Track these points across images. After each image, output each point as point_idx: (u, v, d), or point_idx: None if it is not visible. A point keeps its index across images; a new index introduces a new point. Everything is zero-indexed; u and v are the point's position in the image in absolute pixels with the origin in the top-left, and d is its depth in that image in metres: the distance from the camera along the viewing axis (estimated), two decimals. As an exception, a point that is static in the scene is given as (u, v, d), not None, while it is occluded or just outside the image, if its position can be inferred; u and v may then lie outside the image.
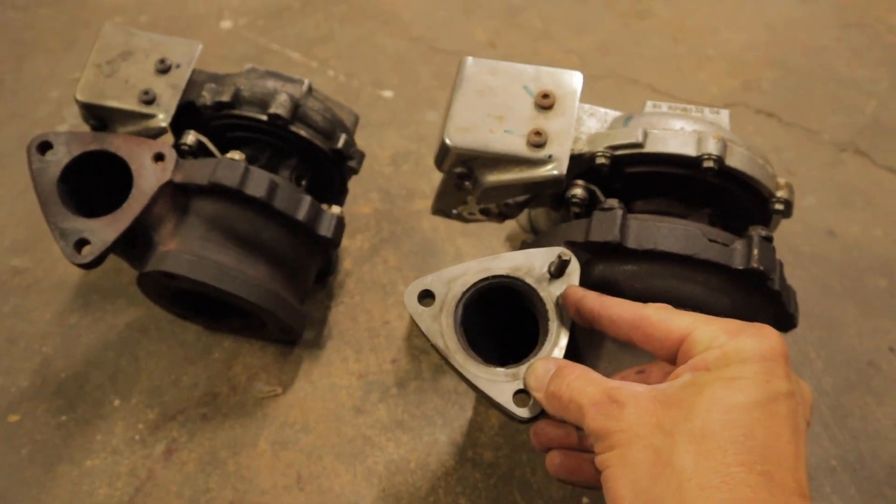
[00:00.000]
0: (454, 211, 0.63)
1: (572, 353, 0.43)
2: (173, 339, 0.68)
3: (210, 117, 0.62)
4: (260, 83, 0.61)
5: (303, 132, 0.61)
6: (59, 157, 0.57)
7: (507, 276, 0.44)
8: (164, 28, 1.01)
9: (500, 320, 0.48)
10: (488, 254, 0.47)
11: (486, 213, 0.62)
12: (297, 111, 0.61)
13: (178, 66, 0.62)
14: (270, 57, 0.95)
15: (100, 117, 0.63)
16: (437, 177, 0.76)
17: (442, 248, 0.73)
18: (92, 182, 0.59)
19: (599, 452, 0.35)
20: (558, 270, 0.43)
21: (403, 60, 0.93)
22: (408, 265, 0.71)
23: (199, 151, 0.61)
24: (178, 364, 0.66)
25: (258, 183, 0.57)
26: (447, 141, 0.53)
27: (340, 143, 0.63)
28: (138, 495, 0.59)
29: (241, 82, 0.61)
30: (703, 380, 0.35)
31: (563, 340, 0.42)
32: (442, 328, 0.42)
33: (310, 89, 0.63)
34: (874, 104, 0.82)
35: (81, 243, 0.55)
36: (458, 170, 0.56)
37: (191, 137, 0.61)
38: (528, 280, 0.43)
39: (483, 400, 0.42)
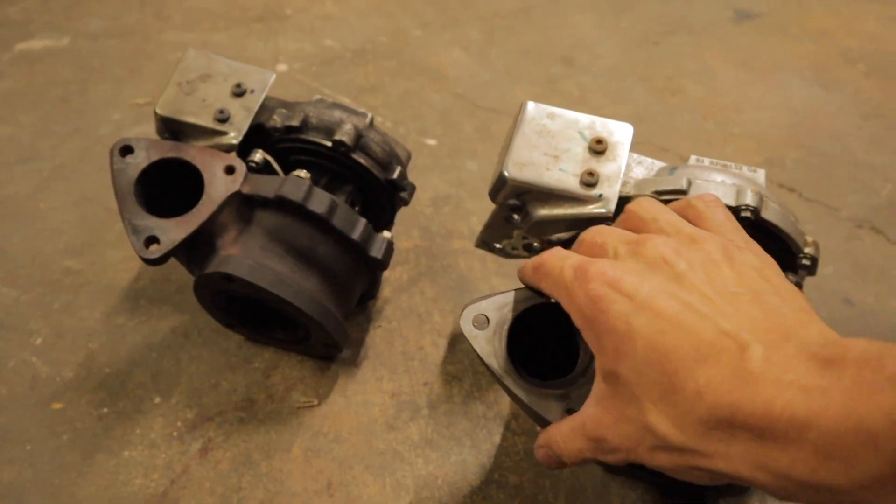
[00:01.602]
0: (497, 245, 0.67)
1: None
2: (215, 346, 0.71)
3: (277, 139, 0.67)
4: (327, 112, 0.66)
5: (362, 160, 0.66)
6: (139, 160, 0.62)
7: (550, 301, 0.46)
8: (223, 66, 1.07)
9: (550, 338, 0.50)
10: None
11: (529, 249, 0.66)
12: (359, 140, 0.65)
13: (252, 92, 0.67)
14: (322, 100, 1.01)
15: (175, 131, 0.68)
16: (476, 220, 0.80)
17: (476, 285, 0.76)
18: (164, 186, 0.63)
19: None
20: None
21: (448, 114, 0.99)
22: (444, 297, 0.75)
23: (265, 169, 0.66)
24: (218, 370, 0.69)
25: (320, 200, 0.61)
26: (505, 173, 0.58)
27: (395, 175, 0.67)
28: (172, 488, 0.61)
29: (309, 110, 0.66)
30: (604, 366, 0.35)
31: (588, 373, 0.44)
32: (495, 350, 0.45)
33: (371, 122, 0.68)
34: (890, 187, 0.87)
35: (151, 240, 0.59)
36: (512, 201, 0.60)
37: (258, 155, 0.65)
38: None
39: (532, 417, 0.45)
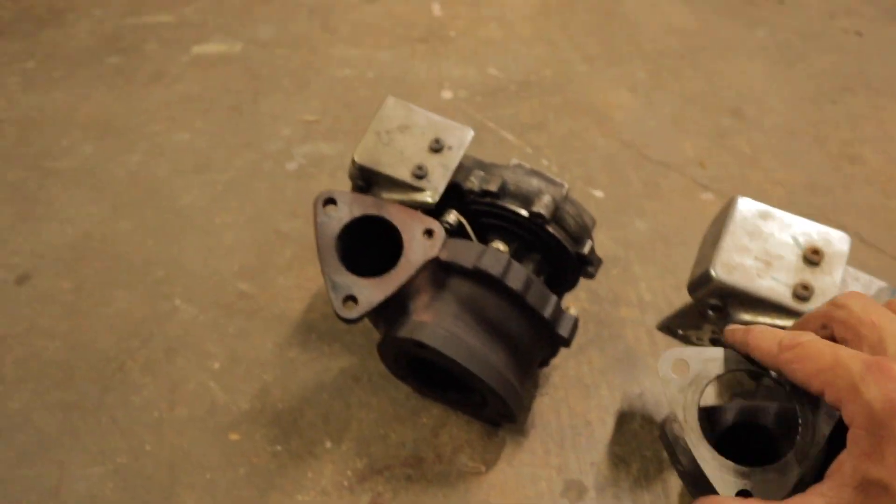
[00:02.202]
0: (681, 332, 0.66)
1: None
2: (384, 394, 0.72)
3: (471, 201, 0.66)
4: (526, 180, 0.66)
5: (556, 233, 0.65)
6: (341, 214, 0.63)
7: (764, 373, 0.43)
8: (387, 88, 1.08)
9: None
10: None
11: (715, 343, 0.64)
12: (555, 213, 0.64)
13: (450, 148, 0.67)
14: (486, 134, 1.00)
15: (368, 180, 0.69)
16: (645, 287, 0.78)
17: (645, 360, 0.75)
18: (361, 240, 0.64)
19: None
20: None
21: (613, 162, 0.97)
22: (612, 370, 0.74)
23: (458, 231, 0.66)
24: (387, 420, 0.70)
25: (517, 276, 0.60)
26: (713, 273, 0.56)
27: (586, 249, 0.66)
28: (344, 540, 0.62)
29: (507, 175, 0.66)
30: (871, 474, 0.32)
31: (813, 450, 0.40)
32: (686, 402, 0.43)
33: (568, 194, 0.67)
34: None
35: (349, 299, 0.60)
36: (713, 301, 0.58)
37: (453, 217, 0.65)
38: (789, 386, 0.42)
39: (693, 487, 0.43)
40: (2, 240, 0.87)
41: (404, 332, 0.61)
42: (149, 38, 1.18)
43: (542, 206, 0.64)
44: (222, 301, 0.80)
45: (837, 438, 0.37)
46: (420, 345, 0.60)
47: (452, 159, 0.67)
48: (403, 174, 0.66)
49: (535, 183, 0.66)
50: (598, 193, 0.93)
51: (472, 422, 0.70)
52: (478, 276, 0.61)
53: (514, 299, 0.61)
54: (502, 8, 1.26)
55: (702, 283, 0.58)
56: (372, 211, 0.63)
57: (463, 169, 0.67)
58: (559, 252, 0.66)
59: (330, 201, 0.64)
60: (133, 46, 1.16)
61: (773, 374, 0.43)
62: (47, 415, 0.70)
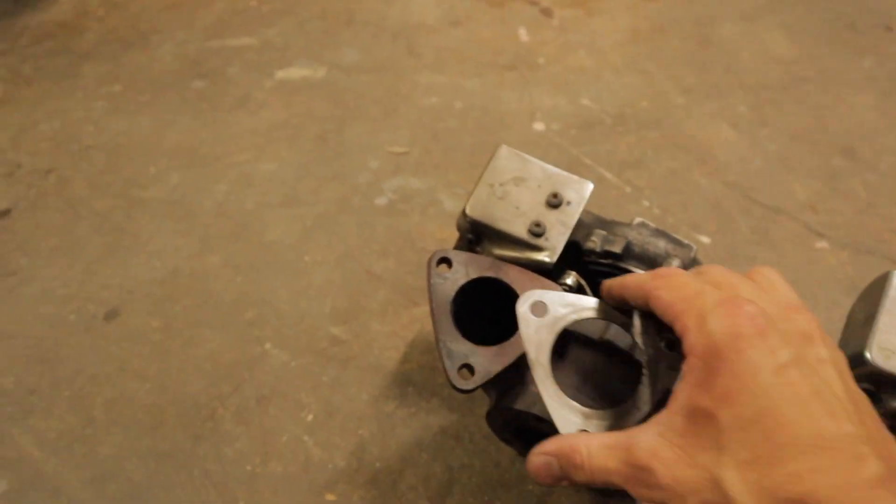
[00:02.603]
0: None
1: None
2: (487, 457, 0.68)
3: (591, 262, 0.62)
4: (652, 242, 0.61)
5: (686, 299, 0.60)
6: (457, 276, 0.59)
7: (621, 328, 0.46)
8: (477, 119, 1.05)
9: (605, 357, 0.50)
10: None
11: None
12: (685, 278, 0.60)
13: (568, 204, 0.63)
14: (583, 171, 0.96)
15: (480, 234, 0.65)
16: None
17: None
18: (471, 303, 0.60)
19: None
20: (671, 347, 0.43)
21: (720, 206, 0.92)
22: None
23: (576, 293, 0.61)
24: (491, 486, 0.66)
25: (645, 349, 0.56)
26: (868, 357, 0.51)
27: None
28: None
29: (632, 235, 0.62)
30: (699, 403, 0.33)
31: (653, 399, 0.42)
32: (540, 341, 0.44)
33: (695, 256, 0.62)
34: None
35: (464, 368, 0.56)
36: (864, 385, 0.53)
37: (572, 279, 0.61)
38: (639, 339, 0.44)
39: (536, 427, 0.45)
40: (91, 272, 0.85)
41: (522, 405, 0.57)
42: (232, 61, 1.16)
43: (671, 271, 0.59)
44: (314, 346, 0.77)
45: None
46: (540, 419, 0.56)
47: (571, 216, 0.63)
48: (520, 231, 0.62)
49: (661, 245, 0.61)
50: (705, 240, 0.88)
51: (583, 492, 0.66)
52: (602, 346, 0.57)
53: (639, 371, 0.57)
54: (591, 34, 1.21)
55: (852, 367, 0.53)
56: (489, 273, 0.59)
57: (582, 226, 0.63)
58: (684, 317, 0.62)
59: (444, 261, 0.60)
60: (216, 70, 1.15)
61: (632, 324, 0.44)
62: (139, 463, 0.68)
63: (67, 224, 0.91)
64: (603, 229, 0.63)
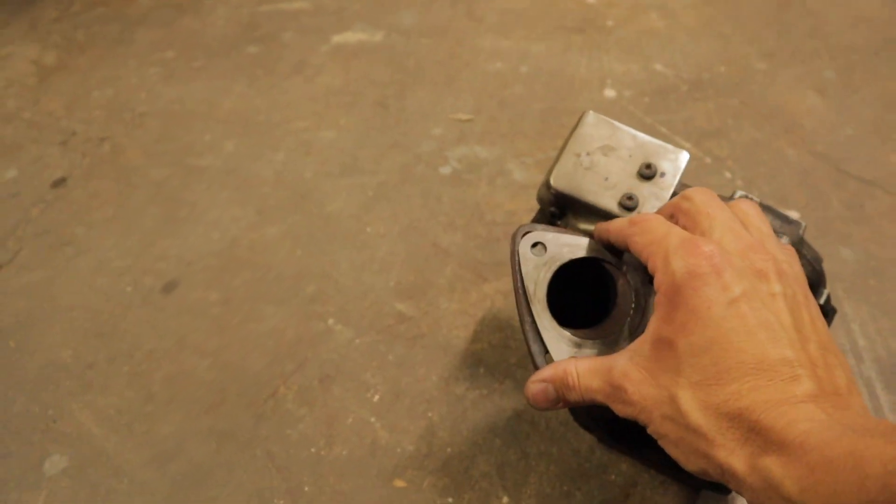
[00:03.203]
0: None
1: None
2: (565, 444, 0.64)
3: (686, 236, 0.57)
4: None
5: (793, 280, 0.55)
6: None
7: (613, 264, 0.48)
8: (545, 84, 0.99)
9: (597, 296, 0.51)
10: None
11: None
12: (793, 257, 0.54)
13: (663, 175, 0.58)
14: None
15: (564, 207, 0.60)
16: (858, 331, 0.67)
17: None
18: (560, 284, 0.56)
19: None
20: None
21: (808, 178, 0.85)
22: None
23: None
24: (570, 475, 0.62)
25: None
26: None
27: (822, 300, 0.56)
28: None
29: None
30: (662, 333, 0.37)
31: (639, 330, 0.45)
32: (538, 278, 0.47)
33: (804, 233, 0.56)
34: None
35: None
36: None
37: (665, 255, 0.56)
38: (630, 275, 0.47)
39: (534, 360, 0.46)
40: (147, 242, 0.82)
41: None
42: (287, 26, 1.12)
43: (778, 249, 0.54)
44: (380, 324, 0.73)
45: None
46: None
47: (667, 188, 0.57)
48: (610, 204, 0.57)
49: (768, 222, 0.55)
50: (794, 215, 0.81)
51: (668, 483, 0.61)
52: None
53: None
54: (664, -5, 1.14)
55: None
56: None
57: (676, 197, 0.58)
58: (789, 299, 0.56)
59: (537, 244, 0.55)
60: (271, 35, 1.11)
61: (623, 263, 0.48)
62: (200, 443, 0.65)
63: (123, 193, 0.88)
64: (700, 202, 0.57)
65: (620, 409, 0.40)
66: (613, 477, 0.62)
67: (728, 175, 0.86)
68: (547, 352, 0.46)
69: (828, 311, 0.57)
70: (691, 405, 0.35)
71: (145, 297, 0.77)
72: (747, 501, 0.33)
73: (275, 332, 0.73)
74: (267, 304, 0.75)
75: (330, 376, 0.69)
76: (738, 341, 0.34)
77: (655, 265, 0.40)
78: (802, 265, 0.55)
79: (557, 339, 0.46)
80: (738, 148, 0.89)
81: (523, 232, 0.50)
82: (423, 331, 0.72)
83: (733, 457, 0.33)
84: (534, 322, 0.47)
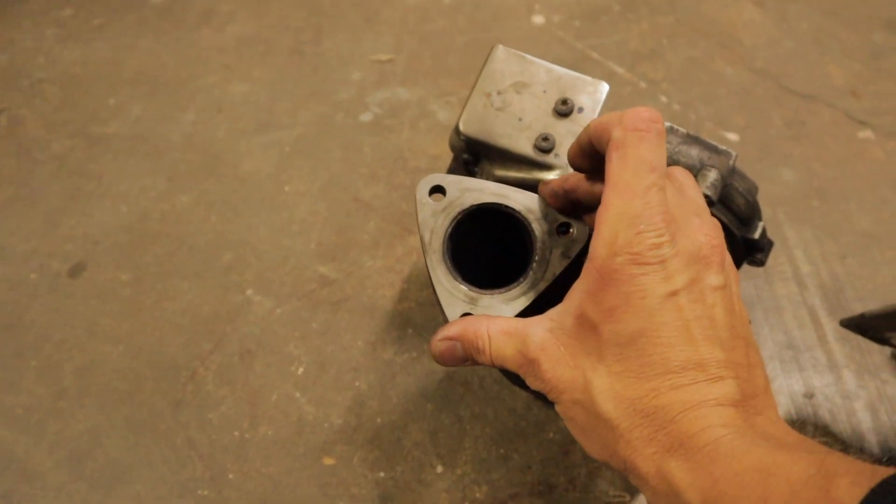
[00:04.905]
0: (885, 336, 0.52)
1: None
2: (500, 403, 0.61)
3: (607, 177, 0.53)
4: (684, 151, 0.52)
5: (722, 217, 0.51)
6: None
7: (516, 211, 0.44)
8: (468, 16, 0.93)
9: (500, 245, 0.48)
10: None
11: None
12: (722, 192, 0.51)
13: (581, 111, 0.53)
14: (591, 66, 0.85)
15: (477, 153, 0.55)
16: (802, 256, 0.64)
17: (812, 353, 0.62)
18: (468, 234, 0.51)
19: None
20: (563, 232, 0.43)
21: (748, 97, 0.81)
22: (770, 364, 0.61)
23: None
24: (506, 436, 0.59)
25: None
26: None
27: (756, 234, 0.52)
28: (468, 593, 0.52)
29: (655, 144, 0.52)
30: (587, 312, 0.34)
31: (541, 285, 0.42)
32: (435, 226, 0.43)
33: (735, 163, 0.52)
34: None
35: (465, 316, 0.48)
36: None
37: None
38: (534, 224, 0.43)
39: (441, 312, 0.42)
40: (52, 223, 0.77)
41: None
42: (193, -29, 1.04)
43: (709, 188, 0.50)
44: (301, 290, 0.69)
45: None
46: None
47: (585, 125, 0.53)
48: (524, 147, 0.53)
49: (695, 154, 0.51)
50: (733, 136, 0.78)
51: (609, 438, 0.58)
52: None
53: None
54: None
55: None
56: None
57: (596, 136, 0.53)
58: (727, 239, 0.53)
59: (437, 189, 0.51)
60: (177, -18, 1.03)
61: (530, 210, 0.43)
62: (117, 437, 0.61)
63: (23, 170, 0.82)
64: (620, 139, 0.53)
65: (532, 382, 0.37)
66: (552, 435, 0.59)
67: (664, 99, 0.81)
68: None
69: (763, 245, 0.54)
70: (605, 395, 0.33)
71: (51, 283, 0.72)
72: (647, 501, 0.31)
73: (190, 308, 0.69)
74: (181, 280, 0.71)
75: (251, 351, 0.65)
76: (668, 336, 0.32)
77: (600, 231, 0.35)
78: (735, 198, 0.52)
79: (451, 293, 0.43)
80: (674, 69, 0.85)
81: (430, 182, 0.45)
82: (347, 294, 0.68)
83: (638, 455, 0.31)
84: (430, 277, 0.42)
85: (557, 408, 0.36)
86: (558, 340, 0.35)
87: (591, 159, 0.40)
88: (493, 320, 0.39)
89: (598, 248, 0.34)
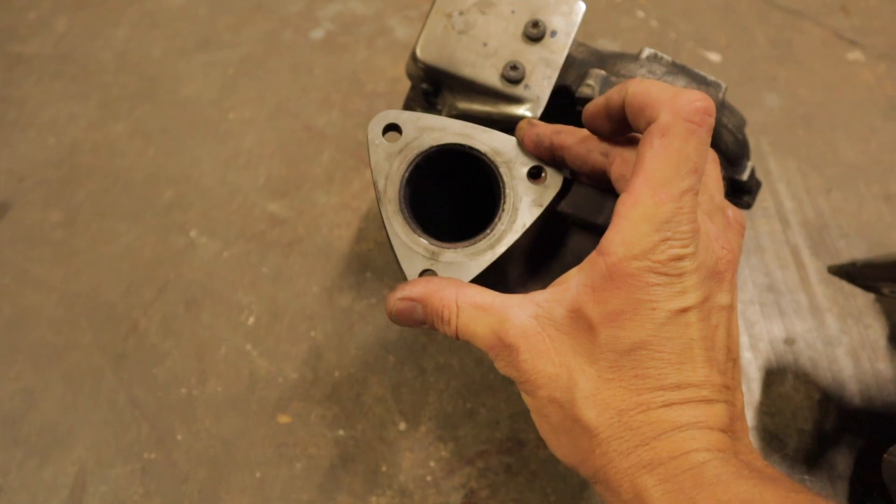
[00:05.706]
0: (879, 284, 0.49)
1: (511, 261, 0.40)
2: (467, 353, 0.57)
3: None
4: (670, 81, 0.46)
5: (709, 158, 0.46)
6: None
7: (482, 153, 0.40)
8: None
9: (465, 193, 0.44)
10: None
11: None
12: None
13: (553, 34, 0.47)
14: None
15: (438, 83, 0.50)
16: (785, 191, 0.61)
17: (794, 295, 0.59)
18: (430, 178, 0.46)
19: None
20: (534, 176, 0.40)
21: (731, 13, 0.75)
22: (751, 308, 0.58)
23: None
24: (473, 389, 0.56)
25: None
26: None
27: (745, 175, 0.48)
28: (434, 557, 0.50)
29: (641, 74, 0.46)
30: (586, 309, 0.31)
31: (509, 238, 0.39)
32: (391, 171, 0.39)
33: (724, 96, 0.47)
34: None
35: (428, 273, 0.43)
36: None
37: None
38: (502, 168, 0.40)
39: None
40: (-31, 156, 0.69)
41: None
42: None
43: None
44: (250, 230, 0.63)
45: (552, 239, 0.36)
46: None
47: (559, 51, 0.47)
48: (490, 77, 0.47)
49: (681, 85, 0.46)
50: (714, 57, 0.72)
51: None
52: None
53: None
54: None
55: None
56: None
57: (574, 64, 0.48)
58: (705, 179, 0.48)
59: (391, 128, 0.45)
60: None
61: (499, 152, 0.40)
62: (54, 398, 0.57)
63: (-66, 95, 0.74)
64: (602, 68, 0.47)
65: (502, 368, 0.34)
66: (521, 387, 0.56)
67: (641, 14, 0.75)
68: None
69: (752, 187, 0.50)
70: (590, 401, 0.31)
71: (-28, 223, 0.65)
72: None
73: (129, 252, 0.63)
74: (118, 220, 0.65)
75: (197, 300, 0.60)
76: (670, 353, 0.30)
77: (619, 225, 0.31)
78: (723, 135, 0.47)
79: (409, 246, 0.39)
80: (653, -19, 0.78)
81: (383, 119, 0.40)
82: (299, 234, 0.63)
83: (613, 467, 0.30)
84: (386, 229, 0.39)
85: (528, 401, 0.33)
86: (543, 331, 0.33)
87: (616, 125, 0.35)
88: (462, 288, 0.36)
89: (615, 244, 0.31)
